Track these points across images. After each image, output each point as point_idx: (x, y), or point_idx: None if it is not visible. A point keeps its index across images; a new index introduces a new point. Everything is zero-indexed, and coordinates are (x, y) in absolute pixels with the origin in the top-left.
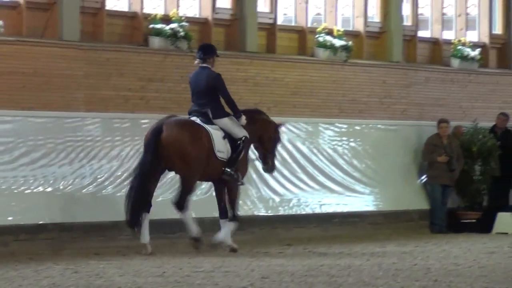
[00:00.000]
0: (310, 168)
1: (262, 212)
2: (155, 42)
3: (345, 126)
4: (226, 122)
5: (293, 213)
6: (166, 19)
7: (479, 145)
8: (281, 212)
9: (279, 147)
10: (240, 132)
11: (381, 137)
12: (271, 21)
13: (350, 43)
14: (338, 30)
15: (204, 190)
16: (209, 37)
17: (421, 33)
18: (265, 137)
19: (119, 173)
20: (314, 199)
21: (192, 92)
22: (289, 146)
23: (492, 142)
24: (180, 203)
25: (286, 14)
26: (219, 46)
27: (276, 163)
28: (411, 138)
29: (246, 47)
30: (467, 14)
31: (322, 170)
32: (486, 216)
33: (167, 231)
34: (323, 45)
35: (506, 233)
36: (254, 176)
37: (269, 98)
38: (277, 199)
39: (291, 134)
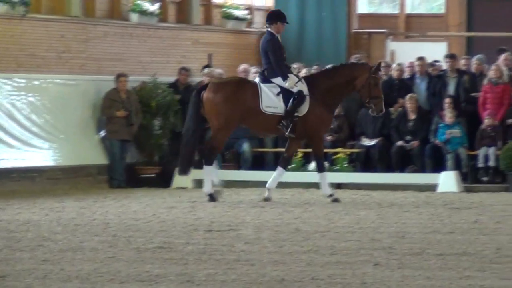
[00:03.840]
0: None
1: None
2: None
3: (23, 81)
4: (280, 80)
5: None
6: None
7: (158, 100)
8: None
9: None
10: (295, 88)
11: (60, 92)
12: None
13: None
14: None
15: None
16: None
17: None
18: (358, 84)
19: None
20: None
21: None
22: None
23: (171, 97)
24: (209, 156)
25: None
26: None
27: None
28: (90, 92)
29: None
30: None
31: (0, 125)
32: (165, 171)
33: None
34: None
35: (185, 188)
36: None
37: None
38: None
39: None
